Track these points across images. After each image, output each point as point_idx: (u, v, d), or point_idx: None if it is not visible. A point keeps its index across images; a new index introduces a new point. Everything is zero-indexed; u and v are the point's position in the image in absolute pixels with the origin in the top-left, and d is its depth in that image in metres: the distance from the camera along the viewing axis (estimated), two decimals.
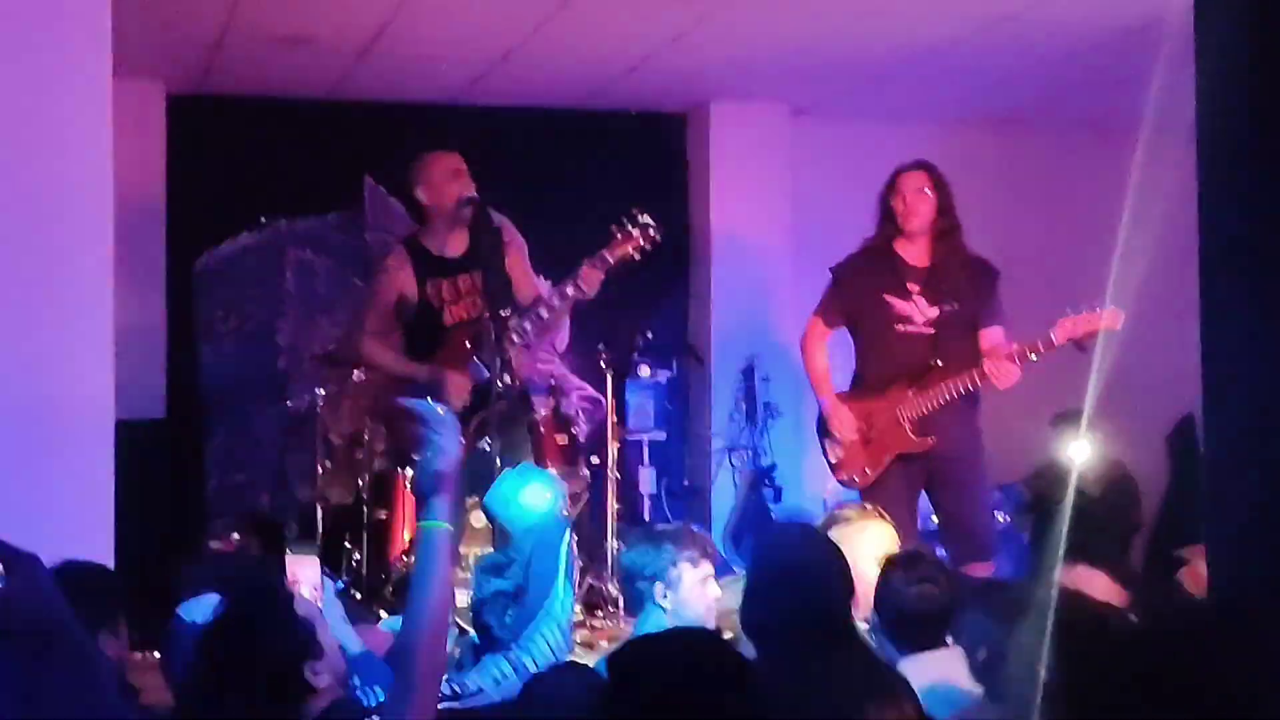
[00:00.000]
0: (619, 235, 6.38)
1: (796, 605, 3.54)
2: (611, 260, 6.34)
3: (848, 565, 3.76)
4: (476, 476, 6.26)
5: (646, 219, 6.41)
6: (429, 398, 6.01)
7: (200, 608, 3.74)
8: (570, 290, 6.28)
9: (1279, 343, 2.55)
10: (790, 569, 3.67)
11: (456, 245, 6.43)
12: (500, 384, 6.13)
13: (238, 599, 3.38)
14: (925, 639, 4.12)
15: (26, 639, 2.14)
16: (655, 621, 4.96)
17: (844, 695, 3.33)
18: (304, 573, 4.42)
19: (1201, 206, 2.67)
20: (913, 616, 4.15)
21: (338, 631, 4.34)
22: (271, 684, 3.21)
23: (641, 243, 6.41)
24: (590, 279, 6.29)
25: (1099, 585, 4.32)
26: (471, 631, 4.80)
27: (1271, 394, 2.54)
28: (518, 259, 6.61)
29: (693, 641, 2.84)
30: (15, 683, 2.24)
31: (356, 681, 4.12)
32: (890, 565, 4.30)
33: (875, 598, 4.21)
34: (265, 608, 3.34)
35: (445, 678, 4.33)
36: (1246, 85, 2.59)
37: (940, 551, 6.51)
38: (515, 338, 6.26)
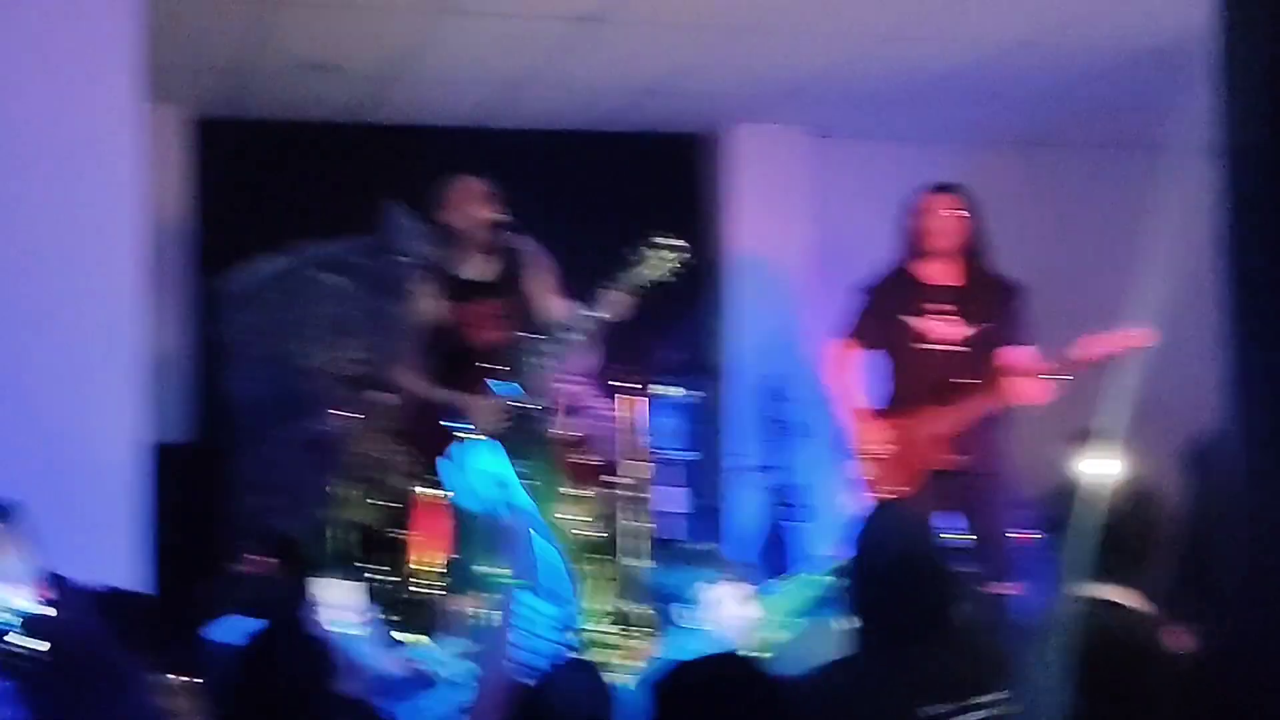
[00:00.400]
0: (649, 257, 6.38)
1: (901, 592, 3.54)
2: (637, 284, 6.35)
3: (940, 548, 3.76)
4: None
5: (678, 241, 6.41)
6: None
7: (226, 628, 3.77)
8: (600, 312, 6.29)
9: None
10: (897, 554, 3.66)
11: (482, 269, 6.45)
12: (529, 407, 6.14)
13: (263, 630, 3.44)
14: None
15: (75, 667, 2.17)
16: (687, 641, 4.99)
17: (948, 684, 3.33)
18: (348, 599, 4.44)
19: (1224, 231, 2.68)
20: None
21: (376, 656, 4.37)
22: (297, 705, 3.26)
23: (668, 266, 6.41)
24: (619, 301, 6.30)
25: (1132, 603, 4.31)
26: None
27: None
28: (540, 280, 6.62)
29: (732, 667, 2.88)
30: (63, 709, 2.28)
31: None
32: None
33: None
34: (288, 634, 3.40)
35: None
36: (1267, 107, 2.61)
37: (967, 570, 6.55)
38: (547, 362, 6.28)
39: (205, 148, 8.42)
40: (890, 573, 3.54)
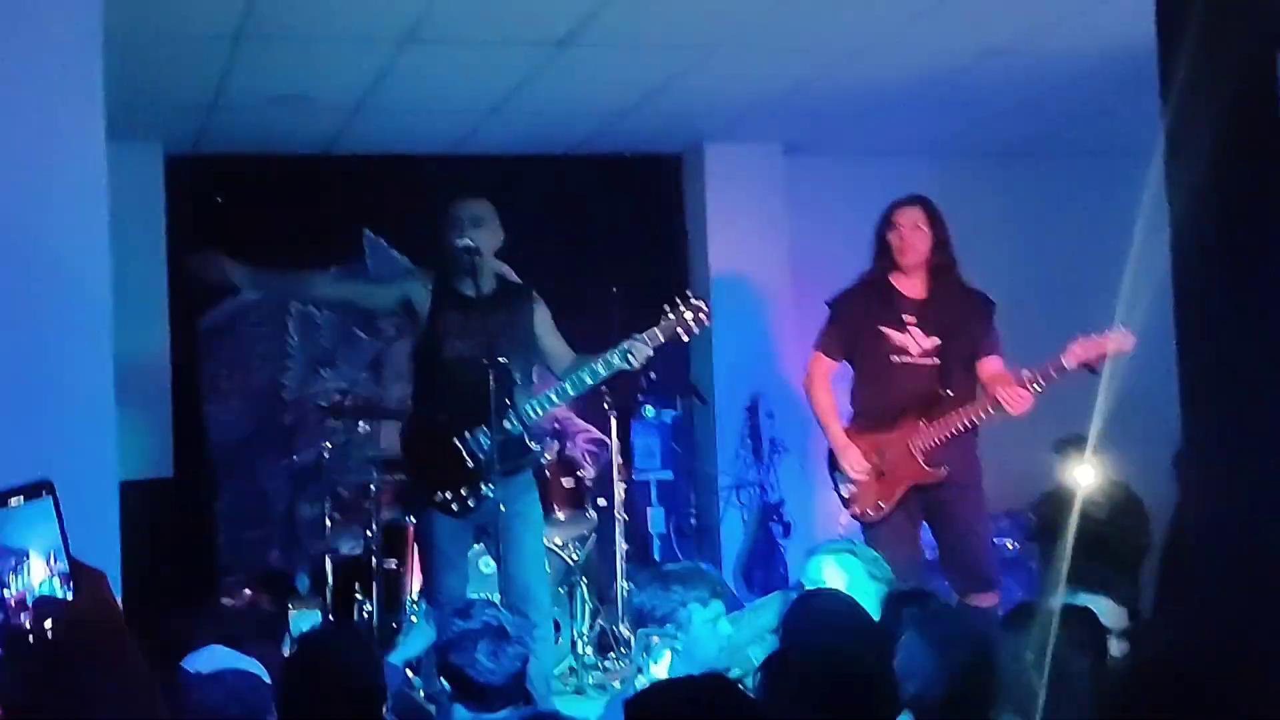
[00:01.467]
0: (670, 314, 6.34)
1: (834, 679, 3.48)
2: (662, 338, 6.31)
3: (888, 641, 3.70)
4: (485, 523, 6.29)
5: (699, 302, 6.37)
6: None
7: (205, 659, 3.77)
8: (617, 360, 6.24)
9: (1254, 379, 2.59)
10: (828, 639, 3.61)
11: (485, 287, 6.42)
12: (503, 433, 6.11)
13: (324, 628, 3.54)
14: None
15: (89, 654, 2.17)
16: (666, 662, 4.97)
17: None
18: (306, 626, 4.43)
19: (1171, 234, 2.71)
20: None
21: None
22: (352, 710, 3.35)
23: (692, 325, 6.37)
24: (639, 352, 6.26)
25: (1106, 611, 4.32)
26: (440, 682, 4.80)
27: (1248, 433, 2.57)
28: (546, 320, 6.58)
29: (708, 688, 2.86)
30: (73, 697, 2.28)
31: None
32: (900, 603, 4.27)
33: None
34: (350, 636, 3.51)
35: None
36: (1212, 116, 2.63)
37: (944, 583, 6.55)
38: (552, 401, 6.28)
39: (176, 183, 8.40)
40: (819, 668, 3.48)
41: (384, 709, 3.54)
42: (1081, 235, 9.03)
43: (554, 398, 6.27)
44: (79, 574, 2.05)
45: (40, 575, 1.99)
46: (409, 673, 6.66)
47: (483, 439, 6.20)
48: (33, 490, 1.98)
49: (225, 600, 8.25)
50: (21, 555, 1.99)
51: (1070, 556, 4.70)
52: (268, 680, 3.78)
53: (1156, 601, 6.75)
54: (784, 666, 3.44)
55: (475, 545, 6.88)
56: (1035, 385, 6.40)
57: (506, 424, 6.13)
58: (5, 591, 1.99)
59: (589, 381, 6.26)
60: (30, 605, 2.00)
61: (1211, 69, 2.62)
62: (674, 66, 7.39)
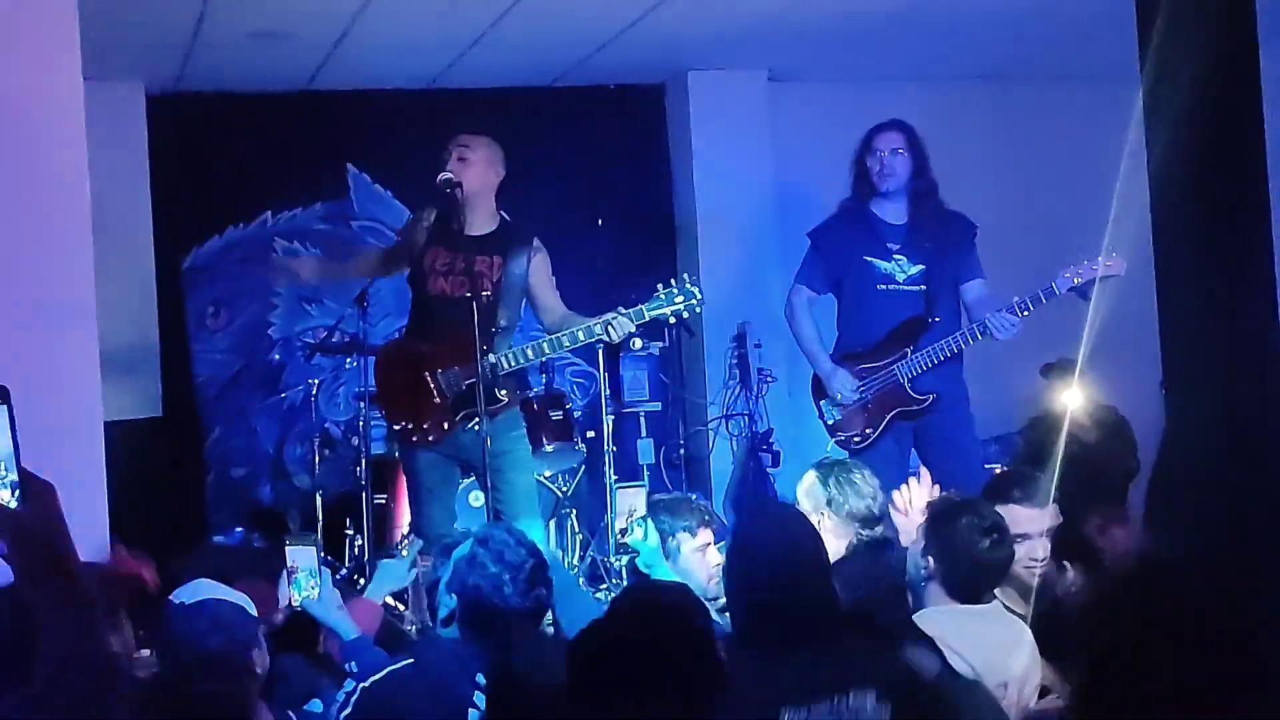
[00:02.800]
0: (661, 295, 6.28)
1: (776, 589, 3.51)
2: (647, 317, 6.25)
3: (823, 548, 3.75)
4: (473, 455, 6.29)
5: (693, 287, 6.29)
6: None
7: (190, 591, 3.78)
8: (599, 330, 6.19)
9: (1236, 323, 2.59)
10: (770, 551, 3.64)
11: (480, 224, 6.39)
12: (486, 370, 6.09)
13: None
14: (988, 590, 4.16)
15: (35, 564, 2.16)
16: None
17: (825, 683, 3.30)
18: (301, 561, 4.44)
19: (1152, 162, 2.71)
20: (986, 566, 4.15)
21: (333, 619, 4.37)
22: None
23: (682, 309, 6.30)
24: (620, 327, 6.20)
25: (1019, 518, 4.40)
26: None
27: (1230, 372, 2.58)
28: (543, 271, 6.52)
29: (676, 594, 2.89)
30: (14, 604, 2.29)
31: (353, 666, 4.15)
32: (955, 511, 4.27)
33: (938, 546, 4.16)
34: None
35: None
36: (1192, 45, 2.62)
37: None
38: (527, 357, 6.26)
39: (158, 123, 8.35)
40: (769, 575, 3.51)
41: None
42: (1069, 160, 9.00)
43: (529, 354, 6.25)
44: (28, 485, 2.08)
45: None
46: (398, 605, 6.69)
47: (454, 378, 6.20)
48: None
49: (217, 539, 8.26)
50: None
51: (1058, 479, 4.75)
52: (253, 613, 3.79)
53: (1144, 524, 6.77)
54: (730, 578, 3.62)
55: (466, 480, 6.89)
56: (1023, 310, 6.41)
57: (487, 363, 6.11)
58: None
59: (566, 345, 6.25)
60: None
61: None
62: None
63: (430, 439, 6.27)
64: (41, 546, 2.14)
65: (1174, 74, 2.66)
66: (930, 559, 4.14)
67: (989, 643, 3.98)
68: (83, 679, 2.15)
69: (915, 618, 4.02)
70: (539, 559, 4.01)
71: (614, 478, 7.94)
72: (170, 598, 3.80)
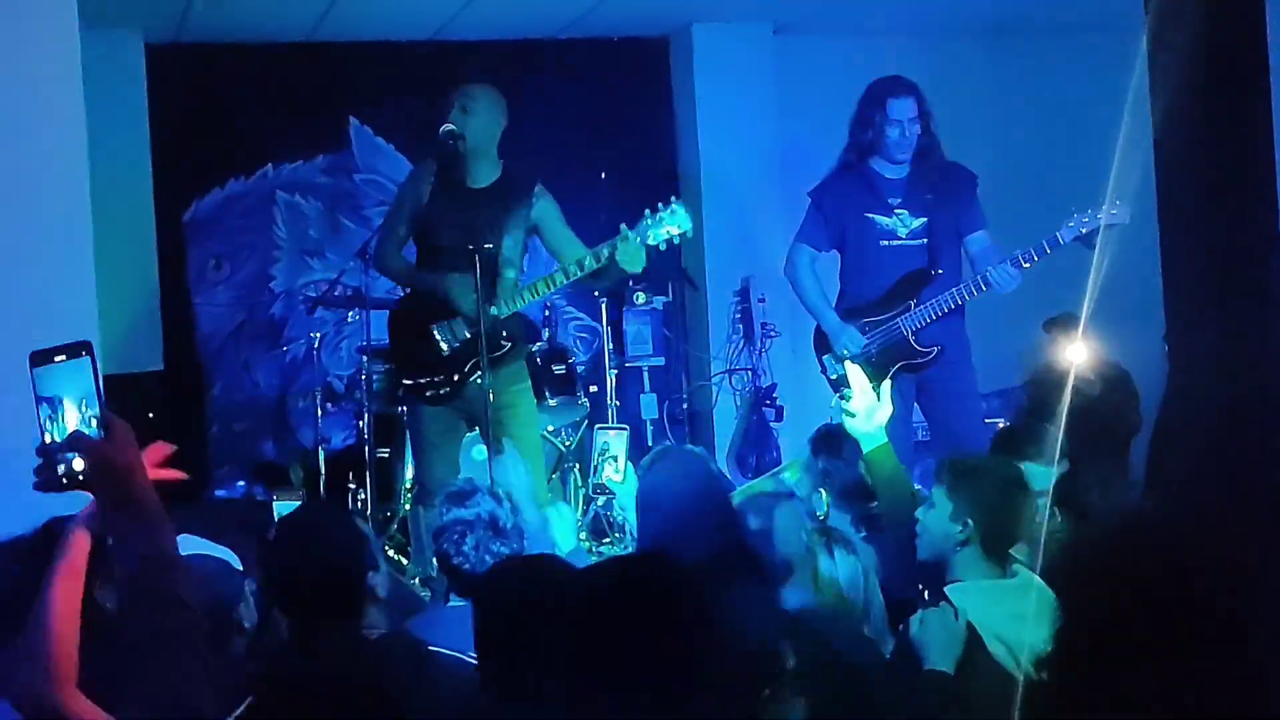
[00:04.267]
0: (649, 217, 6.21)
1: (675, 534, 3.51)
2: (651, 239, 6.19)
3: (723, 497, 3.73)
4: (475, 413, 6.27)
5: (678, 205, 6.22)
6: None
7: (187, 546, 3.76)
8: (605, 251, 6.16)
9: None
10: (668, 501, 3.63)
11: (483, 174, 6.37)
12: (489, 320, 6.07)
13: (303, 506, 3.55)
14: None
15: (114, 489, 2.36)
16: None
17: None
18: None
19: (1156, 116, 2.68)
20: (1019, 521, 4.06)
21: None
22: (335, 586, 3.40)
23: (679, 231, 6.25)
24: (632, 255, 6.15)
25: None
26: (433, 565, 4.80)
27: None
28: (552, 213, 6.48)
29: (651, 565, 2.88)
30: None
31: None
32: (984, 469, 4.13)
33: (974, 505, 3.94)
34: (329, 513, 3.50)
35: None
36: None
37: (930, 462, 6.56)
38: (536, 292, 6.22)
39: (158, 73, 8.31)
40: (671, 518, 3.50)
41: (372, 584, 3.53)
42: (1072, 112, 8.95)
43: (526, 296, 6.22)
44: (110, 421, 2.34)
45: (74, 420, 2.33)
46: (400, 559, 6.71)
47: (457, 328, 6.18)
48: (74, 350, 2.34)
49: (219, 493, 8.26)
50: (58, 403, 2.35)
51: (1062, 434, 4.72)
52: (239, 568, 3.77)
53: (1146, 479, 6.77)
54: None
55: (470, 433, 6.88)
56: (1027, 261, 6.39)
57: (492, 311, 6.09)
58: (46, 436, 2.33)
59: (559, 281, 6.22)
60: (66, 441, 2.32)
61: None
62: None
63: (440, 394, 6.25)
64: (121, 475, 2.35)
65: (1179, 15, 2.63)
66: (967, 521, 3.95)
67: (1024, 616, 3.86)
68: (154, 607, 2.37)
69: (948, 590, 3.86)
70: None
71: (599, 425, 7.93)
72: None
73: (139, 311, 8.08)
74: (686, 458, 4.39)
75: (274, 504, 4.49)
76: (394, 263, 6.52)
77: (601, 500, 7.36)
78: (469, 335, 6.13)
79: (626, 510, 4.99)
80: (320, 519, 3.70)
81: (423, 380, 6.28)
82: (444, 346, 6.22)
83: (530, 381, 6.59)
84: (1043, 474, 4.42)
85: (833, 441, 5.03)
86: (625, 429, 6.44)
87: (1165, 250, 2.71)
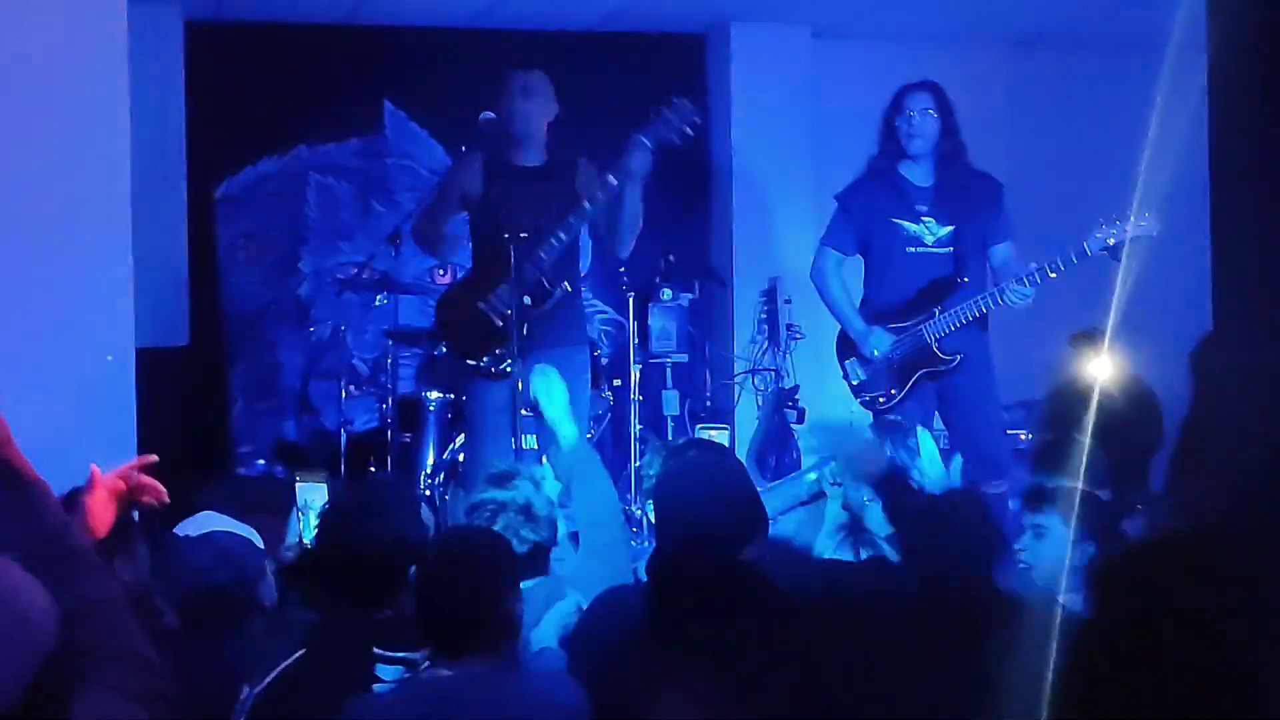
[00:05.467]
0: (655, 119, 6.31)
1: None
2: (649, 143, 6.27)
3: (749, 490, 3.73)
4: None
5: (684, 101, 6.34)
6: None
7: (195, 524, 3.77)
8: (613, 178, 6.22)
9: None
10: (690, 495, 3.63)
11: (533, 157, 6.42)
12: (550, 293, 6.12)
13: (366, 483, 3.52)
14: None
15: None
16: None
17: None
18: (311, 499, 4.42)
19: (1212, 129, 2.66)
20: None
21: None
22: (378, 570, 3.35)
23: (682, 125, 6.33)
24: (636, 160, 6.24)
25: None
26: None
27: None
28: (592, 179, 6.55)
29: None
30: None
31: None
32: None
33: None
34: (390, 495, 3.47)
35: None
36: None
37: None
38: (563, 235, 6.21)
39: (196, 50, 8.32)
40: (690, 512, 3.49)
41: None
42: (1107, 125, 8.92)
43: (562, 235, 6.23)
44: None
45: None
46: None
47: (505, 296, 6.20)
48: None
49: (241, 471, 8.28)
50: None
51: (1085, 449, 4.71)
52: (260, 546, 3.76)
53: (1167, 497, 6.75)
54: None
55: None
56: (1044, 277, 6.37)
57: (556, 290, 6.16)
58: None
59: (588, 206, 6.24)
60: None
61: None
62: None
63: (501, 369, 6.27)
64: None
65: (1241, 23, 2.61)
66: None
67: None
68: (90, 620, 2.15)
69: None
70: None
71: (639, 427, 7.93)
72: (175, 530, 3.78)
73: (167, 285, 8.09)
74: (714, 448, 4.38)
75: (296, 484, 4.47)
76: (436, 243, 6.59)
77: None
78: (522, 299, 6.16)
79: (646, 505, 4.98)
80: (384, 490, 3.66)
81: (484, 360, 6.31)
82: (496, 319, 6.25)
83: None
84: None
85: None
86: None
87: (1216, 265, 2.69)
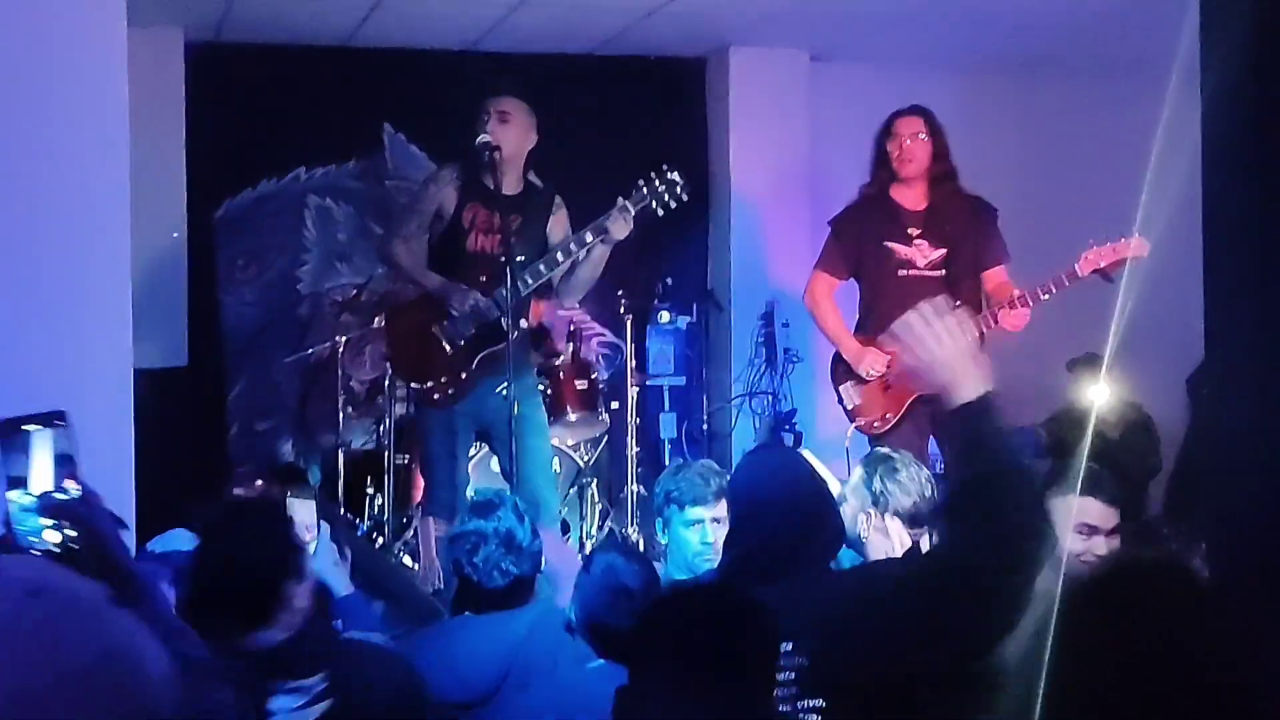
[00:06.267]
0: (644, 190, 6.37)
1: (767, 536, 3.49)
2: (633, 210, 6.33)
3: (824, 492, 3.71)
4: (490, 420, 6.30)
5: (674, 176, 6.39)
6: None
7: (164, 541, 3.76)
8: (590, 236, 6.28)
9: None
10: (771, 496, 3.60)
11: (510, 185, 6.43)
12: (512, 327, 6.12)
13: (234, 508, 3.45)
14: None
15: (86, 556, 2.31)
16: (675, 565, 5.00)
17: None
18: (300, 515, 4.40)
19: (1205, 172, 2.67)
20: None
21: (328, 574, 4.31)
22: (251, 592, 3.23)
23: (667, 198, 6.40)
24: (618, 226, 6.29)
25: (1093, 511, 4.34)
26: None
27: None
28: (561, 223, 6.61)
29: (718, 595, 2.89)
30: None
31: (339, 625, 4.09)
32: None
33: None
34: (257, 519, 3.40)
35: None
36: (1248, 34, 2.59)
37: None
38: (529, 279, 6.26)
39: (196, 72, 8.33)
40: (768, 515, 3.48)
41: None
42: (1103, 151, 8.95)
43: (529, 279, 6.26)
44: (88, 492, 2.31)
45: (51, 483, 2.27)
46: (409, 560, 6.72)
47: (461, 325, 6.23)
48: (46, 418, 2.31)
49: (237, 490, 8.28)
50: (32, 474, 2.29)
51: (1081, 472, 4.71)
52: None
53: (1165, 521, 6.75)
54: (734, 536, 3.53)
55: (480, 446, 6.92)
56: (1035, 299, 6.38)
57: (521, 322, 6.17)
58: (14, 508, 2.27)
59: (561, 260, 6.30)
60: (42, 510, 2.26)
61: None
62: None
63: (448, 394, 6.29)
64: (99, 543, 2.31)
65: (1230, 36, 2.62)
66: None
67: None
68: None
69: None
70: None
71: (636, 450, 7.94)
72: (147, 547, 3.77)
73: (166, 306, 8.10)
74: (785, 453, 4.37)
75: (287, 501, 4.46)
76: (403, 258, 6.56)
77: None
78: (473, 332, 6.20)
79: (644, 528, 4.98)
80: (249, 522, 3.56)
81: (428, 384, 6.33)
82: (447, 346, 6.28)
83: (551, 395, 6.64)
84: (1103, 514, 4.39)
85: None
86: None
87: (1209, 290, 2.70)
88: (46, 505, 2.25)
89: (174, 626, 2.43)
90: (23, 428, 2.28)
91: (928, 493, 4.61)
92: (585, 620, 3.98)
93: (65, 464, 2.29)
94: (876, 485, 4.59)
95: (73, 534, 2.29)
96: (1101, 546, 4.32)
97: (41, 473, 2.27)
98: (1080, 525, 4.25)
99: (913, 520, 4.58)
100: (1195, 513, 5.78)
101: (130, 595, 2.31)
